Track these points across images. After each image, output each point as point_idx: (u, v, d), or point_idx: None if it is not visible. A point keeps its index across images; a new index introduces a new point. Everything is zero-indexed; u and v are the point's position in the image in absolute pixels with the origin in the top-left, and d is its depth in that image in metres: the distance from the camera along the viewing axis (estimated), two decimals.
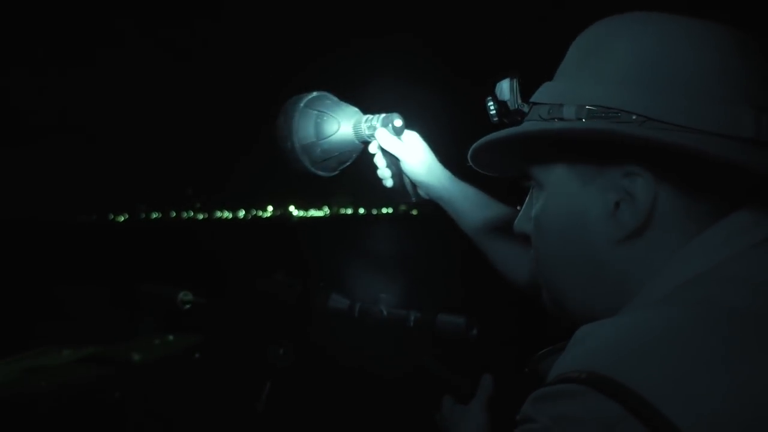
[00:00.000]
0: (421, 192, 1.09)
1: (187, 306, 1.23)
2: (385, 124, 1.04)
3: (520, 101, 0.62)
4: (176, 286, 1.22)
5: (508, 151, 0.64)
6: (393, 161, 1.07)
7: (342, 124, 1.07)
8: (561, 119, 0.56)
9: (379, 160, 1.09)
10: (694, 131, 0.51)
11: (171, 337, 2.02)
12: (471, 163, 0.69)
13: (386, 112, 1.06)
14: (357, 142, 1.08)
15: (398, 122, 1.05)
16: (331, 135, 1.06)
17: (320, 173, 1.08)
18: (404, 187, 1.09)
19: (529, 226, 0.65)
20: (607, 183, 0.56)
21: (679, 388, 0.41)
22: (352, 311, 1.00)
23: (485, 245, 1.06)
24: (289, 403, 1.03)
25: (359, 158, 1.12)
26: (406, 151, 1.05)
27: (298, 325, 1.04)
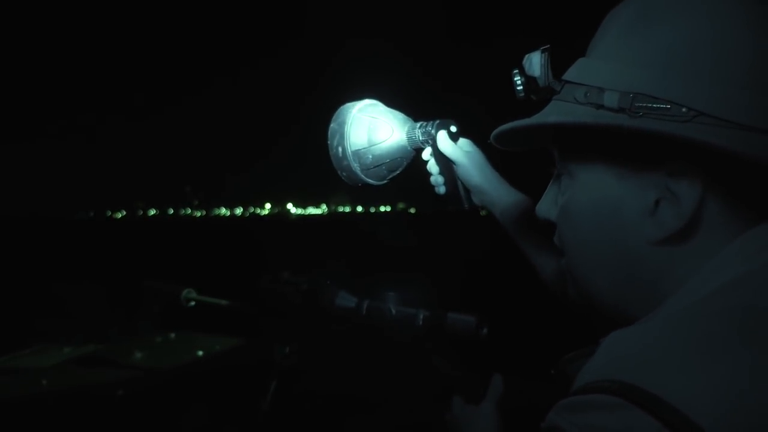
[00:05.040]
0: (474, 198, 1.06)
1: (191, 304, 1.22)
2: (440, 130, 1.02)
3: (551, 78, 0.56)
4: (180, 284, 1.21)
5: (537, 132, 0.59)
6: (447, 167, 1.05)
7: (394, 130, 1.05)
8: (600, 106, 0.51)
9: (433, 166, 1.07)
10: (751, 129, 0.47)
11: (173, 335, 2.01)
12: (492, 141, 0.63)
13: (432, 119, 1.04)
14: (409, 149, 1.06)
15: (453, 128, 1.03)
16: (383, 141, 1.04)
17: (370, 181, 1.06)
18: (458, 194, 1.07)
19: (554, 213, 0.61)
20: (648, 180, 0.51)
21: (716, 400, 0.38)
22: (360, 310, 0.98)
23: (534, 254, 1.02)
24: (295, 402, 1.02)
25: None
26: (463, 157, 1.02)
27: (305, 324, 1.03)
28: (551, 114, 0.56)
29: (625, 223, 0.52)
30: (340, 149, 1.03)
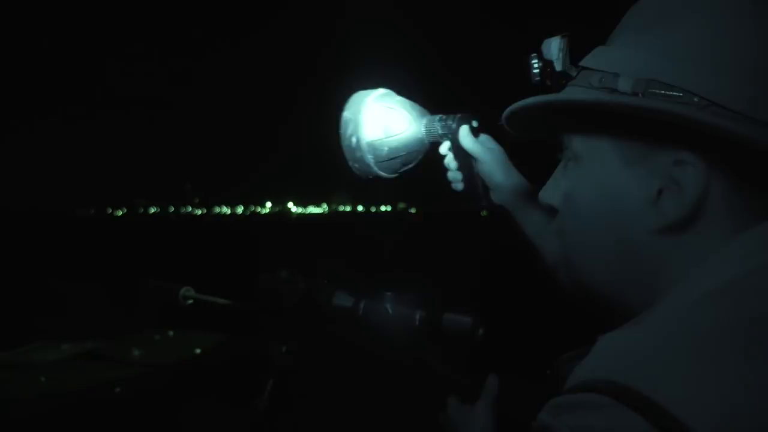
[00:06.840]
0: (492, 196, 1.04)
1: (189, 302, 1.22)
2: (462, 124, 1.00)
3: (568, 63, 0.58)
4: (178, 281, 1.21)
5: (550, 116, 0.59)
6: (466, 163, 1.02)
7: (412, 122, 1.02)
8: (614, 90, 0.52)
9: (451, 162, 1.04)
10: (756, 122, 0.48)
11: (171, 333, 2.01)
12: (504, 122, 0.63)
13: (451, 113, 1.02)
14: (426, 142, 1.04)
15: (475, 123, 1.01)
16: (400, 133, 1.01)
17: (382, 173, 1.03)
18: (476, 191, 1.04)
19: (557, 199, 0.61)
20: (653, 168, 0.52)
21: (708, 404, 0.39)
22: (357, 309, 0.98)
23: (551, 261, 0.96)
24: (292, 402, 1.02)
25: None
26: (485, 153, 1.00)
27: (302, 323, 1.03)
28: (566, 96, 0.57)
29: (627, 210, 0.53)
30: (354, 139, 0.99)
